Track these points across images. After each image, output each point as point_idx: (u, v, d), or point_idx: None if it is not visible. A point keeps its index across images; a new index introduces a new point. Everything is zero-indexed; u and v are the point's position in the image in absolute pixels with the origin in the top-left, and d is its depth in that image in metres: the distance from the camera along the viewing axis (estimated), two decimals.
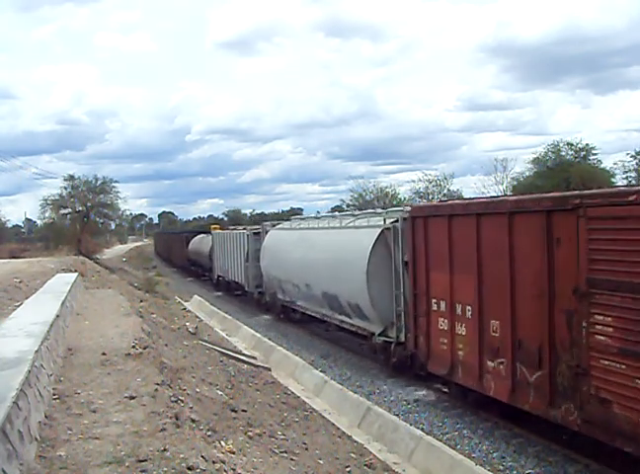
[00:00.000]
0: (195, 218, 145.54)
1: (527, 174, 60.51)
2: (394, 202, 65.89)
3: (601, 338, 8.71)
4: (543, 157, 59.53)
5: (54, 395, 6.70)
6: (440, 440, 10.79)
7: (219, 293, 37.31)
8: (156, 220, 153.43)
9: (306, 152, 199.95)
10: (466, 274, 11.81)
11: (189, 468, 4.92)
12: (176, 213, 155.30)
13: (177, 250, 57.25)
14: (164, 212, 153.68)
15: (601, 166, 58.59)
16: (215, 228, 43.50)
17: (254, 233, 28.79)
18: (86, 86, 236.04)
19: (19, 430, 4.74)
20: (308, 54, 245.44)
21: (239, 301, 32.58)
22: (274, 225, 27.60)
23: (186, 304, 29.78)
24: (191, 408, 7.52)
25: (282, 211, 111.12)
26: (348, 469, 8.93)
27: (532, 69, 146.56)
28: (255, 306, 28.84)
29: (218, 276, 37.20)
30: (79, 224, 53.71)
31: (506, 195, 57.15)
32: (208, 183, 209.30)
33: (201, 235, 46.67)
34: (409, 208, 14.96)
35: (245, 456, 6.76)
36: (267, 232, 26.75)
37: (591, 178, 54.74)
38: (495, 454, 10.68)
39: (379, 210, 20.63)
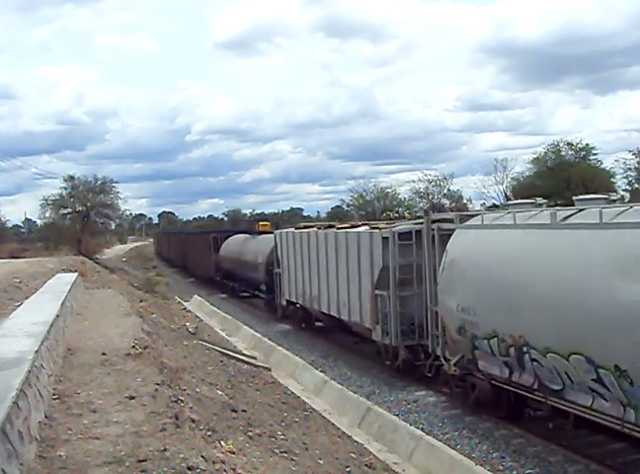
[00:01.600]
0: (195, 218, 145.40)
1: (527, 174, 60.55)
2: (394, 203, 65.97)
3: None
4: (543, 157, 59.55)
5: (54, 395, 6.69)
6: (441, 440, 10.79)
7: (287, 327, 24.36)
8: (156, 220, 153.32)
9: (306, 152, 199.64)
10: None
11: (189, 468, 4.91)
12: (176, 213, 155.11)
13: (197, 255, 43.98)
14: (164, 212, 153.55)
15: (602, 166, 58.64)
16: (264, 226, 35.55)
17: (400, 234, 15.57)
18: (86, 86, 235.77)
19: (19, 430, 4.74)
20: (308, 54, 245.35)
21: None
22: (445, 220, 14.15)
23: (186, 304, 29.77)
24: (191, 408, 7.52)
25: (283, 211, 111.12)
26: (348, 469, 8.93)
27: (532, 69, 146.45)
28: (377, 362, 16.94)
29: (290, 303, 23.74)
30: (79, 224, 53.66)
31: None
32: (208, 183, 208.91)
33: (241, 236, 35.08)
34: None
35: (245, 456, 6.76)
36: (436, 232, 13.79)
37: (591, 178, 54.79)
38: (495, 454, 10.68)
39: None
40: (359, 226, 19.35)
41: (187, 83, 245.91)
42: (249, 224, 51.57)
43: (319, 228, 21.55)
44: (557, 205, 14.12)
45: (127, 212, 64.93)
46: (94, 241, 55.11)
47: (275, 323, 25.11)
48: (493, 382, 11.80)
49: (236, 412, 9.31)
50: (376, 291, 16.07)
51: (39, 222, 62.36)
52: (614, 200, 10.71)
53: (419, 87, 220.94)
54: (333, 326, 20.64)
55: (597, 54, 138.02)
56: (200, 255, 42.45)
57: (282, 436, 9.15)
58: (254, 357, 17.49)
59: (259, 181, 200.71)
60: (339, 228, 19.97)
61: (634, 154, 54.39)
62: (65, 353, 8.73)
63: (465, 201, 66.92)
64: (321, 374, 15.44)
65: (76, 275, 18.58)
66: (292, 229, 24.47)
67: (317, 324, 22.40)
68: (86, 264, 29.26)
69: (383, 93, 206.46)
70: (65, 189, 53.98)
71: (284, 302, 24.10)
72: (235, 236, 36.14)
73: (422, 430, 11.46)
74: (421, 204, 65.84)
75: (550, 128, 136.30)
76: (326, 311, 19.70)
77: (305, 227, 23.68)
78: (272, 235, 27.54)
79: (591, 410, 9.34)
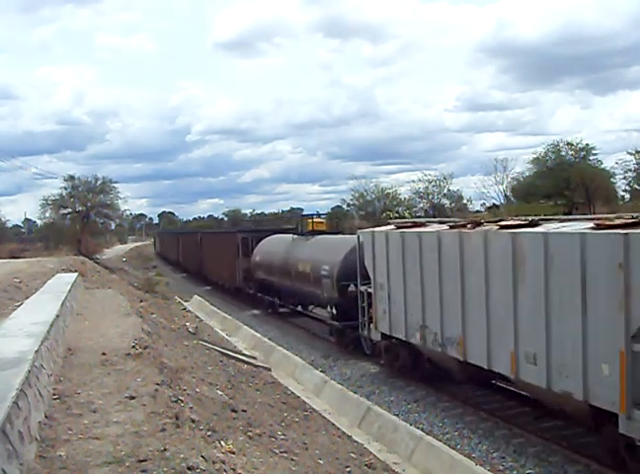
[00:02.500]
0: (195, 218, 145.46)
1: (527, 174, 60.58)
2: (394, 203, 66.00)
3: None
4: (543, 157, 59.56)
5: (54, 395, 6.69)
6: (441, 440, 10.79)
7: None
8: (156, 220, 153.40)
9: (306, 152, 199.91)
10: None
11: (189, 468, 4.91)
12: (176, 213, 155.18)
13: (218, 260, 35.44)
14: (164, 212, 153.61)
15: (602, 166, 58.64)
16: (320, 224, 25.81)
17: None
18: (86, 86, 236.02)
19: (19, 430, 4.74)
20: (308, 54, 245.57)
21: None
22: None
23: (186, 304, 29.76)
24: (191, 408, 7.52)
25: (282, 211, 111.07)
26: (348, 469, 8.93)
27: (532, 69, 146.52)
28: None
29: (388, 338, 15.69)
30: (79, 224, 53.70)
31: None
32: (208, 183, 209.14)
33: (284, 236, 26.93)
34: None
35: (245, 456, 6.76)
36: None
37: (591, 178, 54.80)
38: (495, 454, 10.68)
39: None
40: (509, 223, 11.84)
41: (187, 83, 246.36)
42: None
43: (464, 226, 13.05)
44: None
45: (127, 212, 65.22)
46: (94, 241, 55.16)
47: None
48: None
49: (236, 412, 9.32)
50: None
51: (39, 222, 62.52)
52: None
53: (419, 87, 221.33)
54: (477, 380, 13.62)
55: (596, 54, 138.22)
56: (224, 260, 33.77)
57: (282, 436, 9.15)
58: (254, 357, 17.50)
59: (259, 181, 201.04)
60: (504, 226, 11.71)
61: (633, 155, 54.47)
62: (65, 353, 8.73)
63: (465, 202, 66.82)
64: (321, 374, 15.44)
65: (76, 275, 18.58)
66: (390, 227, 16.25)
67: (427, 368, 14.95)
68: (86, 264, 29.26)
69: (383, 93, 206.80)
70: (65, 189, 54.18)
71: (378, 336, 16.11)
72: (275, 236, 28.25)
73: (422, 430, 11.46)
74: (421, 205, 65.95)
75: (550, 128, 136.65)
76: (483, 365, 11.93)
77: (415, 224, 15.61)
78: (340, 236, 22.90)
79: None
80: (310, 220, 26.59)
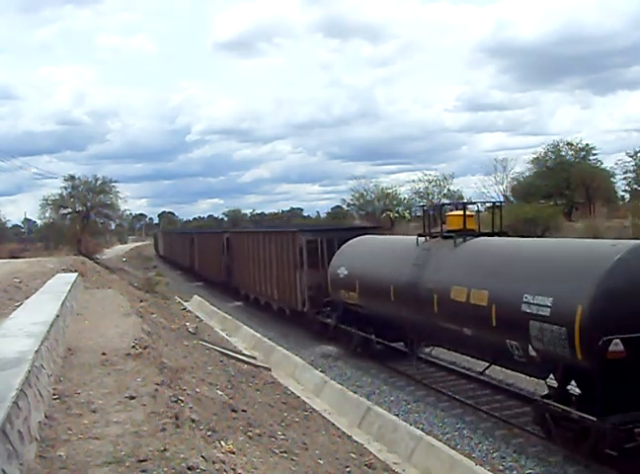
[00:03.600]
0: (195, 218, 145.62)
1: (527, 174, 60.66)
2: (394, 203, 66.05)
3: None
4: (543, 157, 59.69)
5: (54, 395, 6.69)
6: (441, 440, 10.79)
7: None
8: (156, 220, 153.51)
9: (306, 152, 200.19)
10: None
11: (189, 468, 4.91)
12: (176, 213, 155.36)
13: (262, 270, 26.03)
14: (164, 212, 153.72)
15: (602, 166, 58.72)
16: (465, 220, 14.76)
17: None
18: (87, 86, 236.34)
19: (19, 430, 4.74)
20: (308, 54, 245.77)
21: None
22: None
23: (186, 304, 29.75)
24: (191, 408, 7.52)
25: (282, 211, 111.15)
26: (348, 469, 8.93)
27: (532, 69, 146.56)
28: None
29: None
30: (79, 224, 53.67)
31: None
32: (208, 183, 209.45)
33: (393, 239, 19.59)
34: None
35: (245, 456, 6.76)
36: None
37: (591, 178, 54.86)
38: (495, 454, 10.69)
39: None
40: None
41: (187, 83, 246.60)
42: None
43: None
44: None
45: (127, 212, 65.08)
46: (94, 241, 55.14)
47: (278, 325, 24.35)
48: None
49: (236, 412, 9.31)
50: None
51: (39, 222, 62.49)
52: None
53: (419, 87, 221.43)
54: None
55: (596, 54, 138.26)
56: (273, 271, 24.41)
57: (282, 436, 9.15)
58: (254, 357, 17.49)
59: (259, 181, 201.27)
60: None
61: (631, 156, 54.57)
62: (65, 353, 8.73)
63: (465, 202, 66.81)
64: (321, 374, 15.43)
65: (76, 275, 18.58)
66: None
67: None
68: (86, 264, 29.26)
69: (383, 93, 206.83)
70: (65, 189, 54.14)
71: None
72: (374, 238, 19.20)
73: (422, 430, 11.45)
74: (421, 204, 66.01)
75: (550, 128, 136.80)
76: None
77: None
78: (558, 242, 13.88)
79: None
80: (454, 213, 16.19)
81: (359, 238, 19.40)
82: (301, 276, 21.37)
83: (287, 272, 22.79)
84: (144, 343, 9.83)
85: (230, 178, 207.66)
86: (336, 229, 24.53)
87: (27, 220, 77.83)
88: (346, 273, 18.11)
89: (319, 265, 20.69)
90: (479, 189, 64.25)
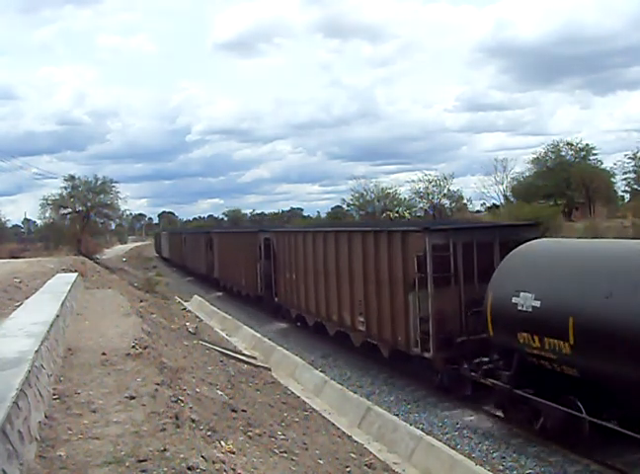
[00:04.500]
0: (195, 218, 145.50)
1: (527, 174, 60.66)
2: (394, 203, 66.03)
3: None
4: (543, 157, 59.72)
5: (54, 395, 6.69)
6: (440, 440, 10.79)
7: None
8: (156, 220, 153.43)
9: (306, 152, 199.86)
10: None
11: (189, 468, 4.91)
12: (176, 213, 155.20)
13: (331, 284, 18.75)
14: (164, 212, 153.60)
15: (602, 166, 58.76)
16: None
17: None
18: (87, 86, 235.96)
19: (19, 430, 4.74)
20: (308, 55, 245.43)
21: None
22: None
23: (186, 304, 29.74)
24: (191, 408, 7.52)
25: (282, 211, 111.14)
26: (348, 469, 8.93)
27: (532, 69, 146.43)
28: None
29: None
30: (79, 224, 53.67)
31: None
32: (208, 183, 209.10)
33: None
34: None
35: (245, 456, 6.76)
36: None
37: (591, 178, 54.89)
38: (495, 454, 10.68)
39: None
40: None
41: (187, 83, 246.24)
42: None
43: None
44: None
45: (127, 212, 65.07)
46: (94, 241, 55.14)
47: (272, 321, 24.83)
48: None
49: (236, 412, 9.31)
50: None
51: (38, 222, 62.43)
52: None
53: (419, 87, 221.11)
54: None
55: (596, 54, 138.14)
56: (363, 289, 16.69)
57: (282, 436, 9.15)
58: (254, 357, 17.49)
59: (259, 181, 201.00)
60: None
61: (630, 158, 54.60)
62: (65, 353, 8.73)
63: (465, 202, 66.84)
64: (321, 374, 15.43)
65: (76, 275, 18.58)
66: None
67: None
68: (86, 264, 29.25)
69: (383, 93, 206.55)
70: (65, 189, 54.15)
71: None
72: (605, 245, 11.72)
73: (422, 430, 11.45)
74: (421, 205, 66.02)
75: (550, 129, 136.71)
76: None
77: None
78: None
79: None
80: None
81: (548, 243, 12.36)
82: (419, 299, 13.86)
83: (391, 292, 15.21)
84: (144, 343, 9.83)
85: (230, 178, 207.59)
86: (483, 227, 16.57)
87: (27, 220, 77.99)
88: (534, 304, 10.59)
89: (451, 281, 13.61)
90: (479, 189, 64.20)
